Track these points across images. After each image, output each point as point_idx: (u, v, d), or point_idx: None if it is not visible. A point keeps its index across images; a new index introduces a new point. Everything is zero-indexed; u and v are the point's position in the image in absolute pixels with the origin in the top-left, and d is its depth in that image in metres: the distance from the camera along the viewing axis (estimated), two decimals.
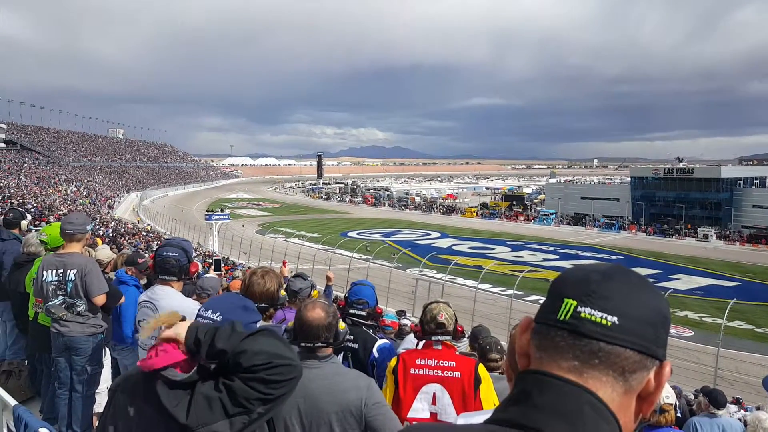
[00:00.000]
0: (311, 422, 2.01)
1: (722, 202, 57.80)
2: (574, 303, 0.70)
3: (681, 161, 70.28)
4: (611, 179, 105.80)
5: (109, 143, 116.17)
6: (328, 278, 4.85)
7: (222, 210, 59.10)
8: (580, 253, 45.57)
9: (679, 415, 5.02)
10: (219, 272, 11.65)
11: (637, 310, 0.70)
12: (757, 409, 9.05)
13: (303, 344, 2.11)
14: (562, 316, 0.70)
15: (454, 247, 46.44)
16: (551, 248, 47.30)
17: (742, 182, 59.48)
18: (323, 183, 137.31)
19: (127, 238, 30.97)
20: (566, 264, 38.72)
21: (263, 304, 2.63)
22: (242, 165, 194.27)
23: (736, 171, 63.70)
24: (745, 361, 17.68)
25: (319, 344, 2.11)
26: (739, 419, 5.36)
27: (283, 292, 2.76)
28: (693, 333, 23.64)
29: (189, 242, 3.46)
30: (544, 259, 41.19)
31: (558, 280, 0.75)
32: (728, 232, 53.19)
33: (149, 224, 49.31)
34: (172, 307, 2.91)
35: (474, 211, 74.24)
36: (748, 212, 55.88)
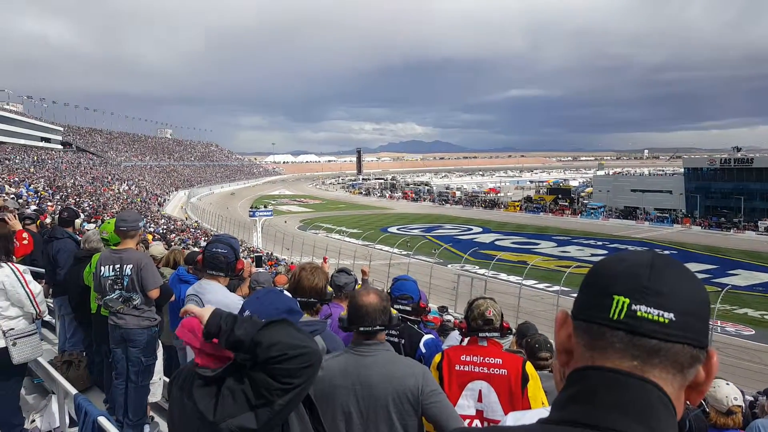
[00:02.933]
0: (368, 409, 2.03)
1: None
2: (627, 301, 0.67)
3: (739, 150, 66.45)
4: (663, 171, 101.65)
5: (157, 143, 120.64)
6: (364, 272, 4.89)
7: (265, 206, 60.31)
8: (630, 248, 43.94)
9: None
10: (260, 269, 11.91)
11: (689, 304, 0.68)
12: None
13: (361, 329, 2.15)
14: (616, 315, 0.67)
15: (496, 242, 45.74)
16: (599, 243, 45.85)
17: None
18: (363, 179, 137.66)
19: (176, 234, 32.13)
20: None
21: (311, 299, 2.67)
22: (284, 162, 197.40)
23: None
24: None
25: (377, 328, 2.14)
26: None
27: (330, 288, 2.79)
28: (754, 332, 22.48)
29: (237, 240, 3.54)
30: (592, 255, 39.93)
31: (598, 273, 0.72)
32: None
33: (197, 221, 50.92)
34: (217, 302, 3.00)
35: (517, 206, 72.87)
36: None
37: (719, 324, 21.38)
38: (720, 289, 22.76)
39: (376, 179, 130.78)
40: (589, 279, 0.73)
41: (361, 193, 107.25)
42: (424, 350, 3.05)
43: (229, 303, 2.80)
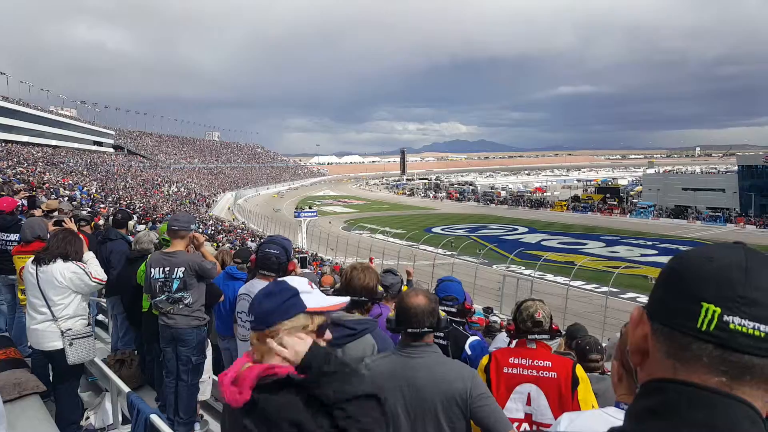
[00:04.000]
0: (416, 411, 2.02)
1: None
2: (718, 311, 0.60)
3: None
4: (716, 168, 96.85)
5: (205, 145, 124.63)
6: (408, 273, 4.87)
7: (310, 207, 61.17)
8: (681, 248, 42.07)
9: None
10: (305, 269, 12.11)
11: None
12: None
13: (409, 330, 2.13)
14: (705, 326, 0.60)
15: (543, 243, 44.83)
16: (649, 243, 44.16)
17: None
18: (406, 179, 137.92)
19: (224, 235, 33.06)
20: (666, 260, 36.02)
21: (363, 298, 2.68)
22: (328, 163, 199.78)
23: None
24: None
25: (426, 329, 2.12)
26: None
27: (380, 288, 2.79)
28: None
29: (290, 241, 3.59)
30: (642, 255, 38.55)
31: (683, 273, 0.64)
32: None
33: (243, 222, 52.23)
34: None
35: (564, 205, 71.27)
36: None
37: None
38: None
39: (419, 179, 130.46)
40: (671, 277, 0.65)
41: (405, 193, 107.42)
42: (469, 352, 3.02)
43: None
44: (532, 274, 26.34)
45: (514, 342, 2.81)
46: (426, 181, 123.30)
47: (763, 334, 0.59)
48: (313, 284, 1.49)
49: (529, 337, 2.67)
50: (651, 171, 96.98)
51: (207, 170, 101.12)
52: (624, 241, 45.45)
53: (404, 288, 3.75)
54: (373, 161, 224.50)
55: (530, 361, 2.59)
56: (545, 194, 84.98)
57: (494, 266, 32.71)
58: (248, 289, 3.29)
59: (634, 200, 69.73)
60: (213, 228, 35.52)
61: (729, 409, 0.60)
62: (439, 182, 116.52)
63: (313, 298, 1.44)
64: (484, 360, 2.72)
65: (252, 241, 30.85)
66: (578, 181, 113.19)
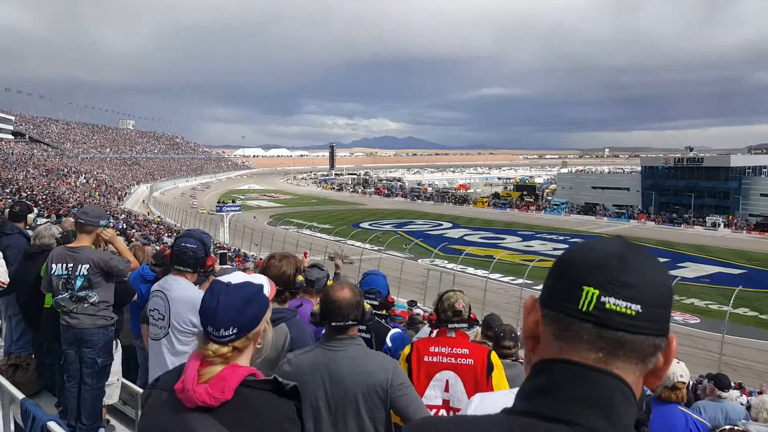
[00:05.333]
0: (337, 403, 2.03)
1: (731, 191, 57.28)
2: (597, 292, 0.67)
3: (691, 150, 69.42)
4: (622, 169, 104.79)
5: (119, 134, 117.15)
6: (337, 266, 4.85)
7: (233, 201, 59.40)
8: None
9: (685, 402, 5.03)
10: (224, 266, 11.77)
11: (656, 296, 0.68)
12: (760, 393, 9.07)
13: (333, 323, 2.13)
14: (585, 307, 0.67)
15: (465, 237, 46.48)
16: (561, 238, 47.11)
17: (750, 171, 58.93)
18: (336, 174, 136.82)
19: (137, 230, 31.25)
20: None
21: (278, 288, 2.63)
22: (254, 156, 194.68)
23: (745, 160, 62.86)
24: (748, 347, 17.73)
25: (350, 322, 2.13)
26: (741, 404, 5.36)
27: (300, 278, 2.74)
28: (699, 320, 23.62)
29: (209, 235, 3.43)
30: (554, 249, 41.06)
31: (568, 262, 0.71)
32: (736, 221, 52.83)
33: (159, 216, 49.71)
34: (184, 298, 2.90)
35: (486, 201, 74.18)
36: (755, 201, 55.55)
37: None
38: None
39: (348, 174, 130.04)
40: (558, 267, 0.72)
41: (334, 188, 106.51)
42: (390, 344, 3.08)
43: (196, 299, 2.71)
44: (455, 268, 27.23)
45: (435, 332, 2.89)
46: (355, 176, 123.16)
47: (634, 312, 0.66)
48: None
49: (449, 326, 2.75)
50: (564, 170, 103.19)
51: (120, 160, 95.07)
52: (539, 236, 48.17)
53: (329, 283, 3.73)
54: (302, 155, 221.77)
55: (449, 349, 2.68)
56: (468, 191, 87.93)
57: (419, 260, 33.49)
58: (162, 285, 3.11)
59: (549, 198, 73.84)
60: (125, 222, 33.45)
61: (603, 383, 0.67)
62: (367, 178, 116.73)
63: (265, 288, 1.44)
64: (406, 350, 2.78)
65: (169, 236, 29.43)
66: (499, 179, 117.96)
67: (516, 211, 67.66)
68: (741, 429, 1.80)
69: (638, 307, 0.66)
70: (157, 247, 7.41)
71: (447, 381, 2.64)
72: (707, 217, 54.33)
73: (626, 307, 0.66)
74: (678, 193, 60.41)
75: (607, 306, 0.66)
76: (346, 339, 2.14)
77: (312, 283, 3.50)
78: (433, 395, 2.63)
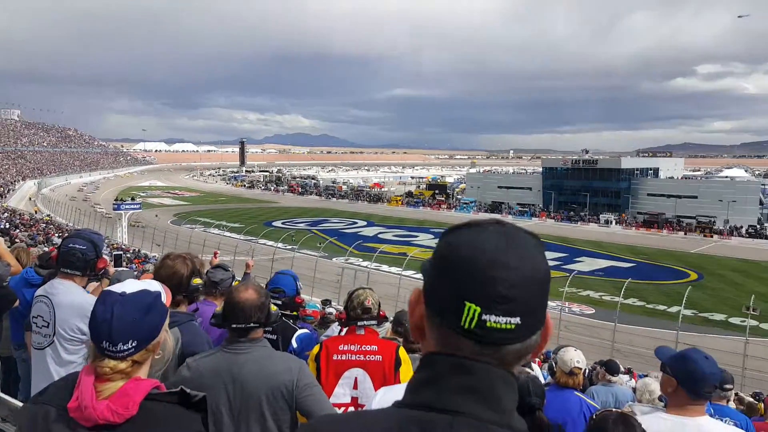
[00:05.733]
0: (240, 407, 1.98)
1: (621, 190, 62.88)
2: (478, 310, 0.67)
3: (587, 153, 75.29)
4: (525, 170, 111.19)
5: (1, 125, 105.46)
6: (247, 266, 4.75)
7: (133, 199, 55.75)
8: None
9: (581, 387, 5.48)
10: (120, 268, 11.02)
11: (535, 298, 0.70)
12: (645, 376, 10.09)
13: (234, 326, 2.07)
14: (467, 324, 0.68)
15: (379, 235, 47.02)
16: None
17: (638, 172, 64.95)
18: (246, 171, 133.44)
19: (22, 230, 28.43)
20: None
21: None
22: (156, 151, 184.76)
23: (634, 162, 68.97)
24: (637, 335, 19.49)
25: (252, 325, 2.08)
26: (631, 388, 5.90)
27: (196, 281, 2.60)
28: (594, 311, 25.70)
29: (100, 236, 3.22)
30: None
31: (453, 267, 0.71)
32: (626, 218, 57.89)
33: (48, 215, 45.52)
34: (72, 303, 2.71)
35: (399, 200, 75.61)
36: (643, 200, 61.28)
37: (566, 305, 23.95)
38: (568, 275, 25.65)
39: (260, 171, 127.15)
40: (443, 267, 0.72)
41: (245, 185, 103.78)
42: (295, 345, 3.05)
43: (84, 305, 2.55)
44: (370, 266, 27.48)
45: (345, 330, 2.93)
46: (267, 173, 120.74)
47: (513, 326, 0.68)
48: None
49: (358, 323, 2.80)
50: (473, 170, 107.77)
51: (2, 153, 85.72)
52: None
53: (235, 284, 3.67)
54: (210, 151, 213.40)
55: (358, 346, 2.71)
56: (383, 190, 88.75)
57: (334, 259, 33.36)
58: (47, 290, 2.89)
59: (459, 197, 76.84)
60: (7, 222, 30.29)
61: (486, 372, 0.69)
62: (280, 175, 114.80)
63: (162, 294, 1.37)
64: (315, 349, 2.78)
65: (59, 236, 27.07)
66: (412, 177, 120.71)
67: (428, 210, 69.51)
68: (618, 411, 2.03)
69: (517, 320, 0.68)
70: (46, 248, 6.85)
71: (356, 378, 2.66)
72: (601, 215, 59.04)
73: (506, 323, 0.67)
74: (575, 192, 65.05)
75: (488, 324, 0.67)
76: (249, 341, 2.09)
77: (216, 284, 3.43)
78: (342, 393, 2.65)
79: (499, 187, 73.58)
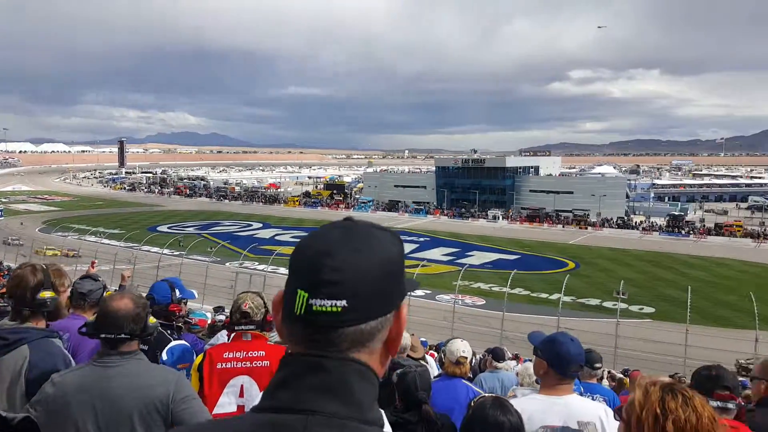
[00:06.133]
0: (108, 425, 1.83)
1: (507, 187, 67.57)
2: (306, 296, 0.70)
3: (475, 152, 79.80)
4: (420, 169, 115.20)
5: None
6: (123, 278, 4.40)
7: None
8: None
9: (470, 375, 5.76)
10: None
11: (366, 283, 0.71)
12: (530, 361, 10.90)
13: (103, 336, 1.92)
14: (299, 311, 0.70)
15: (276, 237, 46.19)
16: None
17: (521, 171, 70.23)
18: (126, 172, 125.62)
19: None
20: None
21: (11, 304, 2.27)
22: (20, 152, 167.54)
23: (517, 161, 74.49)
24: (523, 322, 20.89)
25: (123, 335, 1.93)
26: (516, 373, 6.34)
27: (44, 294, 2.30)
28: (485, 301, 27.34)
29: None
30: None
31: (292, 259, 0.74)
32: (511, 213, 62.14)
33: None
34: None
35: (297, 200, 74.85)
36: (526, 196, 66.39)
37: (460, 297, 25.34)
38: (460, 268, 27.03)
39: (143, 173, 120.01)
40: (290, 263, 0.75)
41: (125, 188, 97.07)
42: (165, 357, 2.87)
43: None
44: (266, 269, 26.80)
45: (231, 336, 2.83)
46: (151, 174, 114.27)
47: (340, 309, 0.69)
48: None
49: (237, 328, 2.70)
50: (370, 170, 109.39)
51: None
52: None
53: (107, 294, 3.37)
54: (84, 151, 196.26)
55: (244, 353, 2.62)
56: (279, 190, 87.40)
57: (227, 264, 32.28)
58: None
59: (357, 196, 77.86)
60: None
61: (339, 368, 0.71)
62: (166, 176, 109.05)
63: None
64: (199, 358, 2.67)
65: None
66: (309, 177, 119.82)
67: (327, 210, 69.48)
68: (493, 396, 2.14)
69: (344, 303, 0.69)
70: None
71: (242, 386, 2.57)
72: (489, 211, 62.72)
73: (331, 306, 0.69)
74: (466, 190, 68.67)
75: (314, 308, 0.69)
76: (120, 354, 1.95)
77: (84, 296, 3.14)
78: (227, 402, 2.55)
79: (395, 186, 75.64)
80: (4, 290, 2.65)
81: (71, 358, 2.23)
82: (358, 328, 0.71)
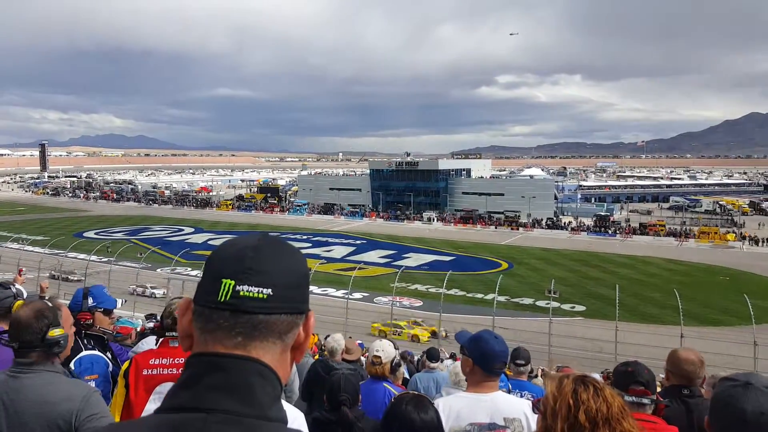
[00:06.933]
0: None
1: (440, 189, 68.89)
2: (232, 282, 0.75)
3: (408, 155, 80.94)
4: (354, 171, 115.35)
5: None
6: (41, 289, 4.19)
7: None
8: (330, 239, 48.85)
9: (407, 376, 5.86)
10: None
11: (286, 278, 0.78)
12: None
13: (5, 345, 1.91)
14: (223, 297, 0.75)
15: (209, 242, 44.93)
16: (305, 237, 49.58)
17: (454, 173, 71.73)
18: (49, 176, 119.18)
19: None
20: (319, 251, 40.98)
21: None
22: None
23: (450, 164, 75.94)
24: (460, 322, 21.30)
25: (19, 346, 1.88)
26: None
27: None
28: (422, 303, 27.78)
29: None
30: (299, 249, 43.10)
31: (212, 259, 0.79)
32: (445, 215, 63.41)
33: None
34: None
35: (230, 204, 73.04)
36: (459, 198, 67.95)
37: (397, 299, 25.60)
38: (397, 270, 27.33)
39: (66, 177, 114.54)
40: (206, 264, 0.79)
41: (48, 193, 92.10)
42: (72, 368, 2.75)
43: None
44: (199, 275, 25.89)
45: (159, 342, 2.78)
46: (75, 178, 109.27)
47: (265, 296, 0.75)
48: None
49: (168, 334, 2.68)
50: (304, 173, 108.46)
51: None
52: (283, 236, 49.12)
53: (18, 304, 3.19)
54: (2, 155, 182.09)
55: (171, 359, 2.58)
56: (211, 194, 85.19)
57: (158, 269, 31.14)
58: None
59: (292, 199, 76.76)
60: None
61: (240, 368, 0.74)
62: (91, 180, 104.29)
63: None
64: (125, 365, 2.62)
65: None
66: (242, 181, 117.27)
67: (261, 213, 68.53)
68: (413, 393, 2.22)
69: (269, 291, 0.75)
70: None
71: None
72: (424, 213, 63.76)
73: (258, 292, 0.75)
74: (400, 192, 69.58)
75: (242, 293, 0.74)
76: (30, 365, 1.89)
77: None
78: (154, 409, 2.50)
79: (330, 189, 75.47)
80: None
81: None
82: (278, 318, 0.76)
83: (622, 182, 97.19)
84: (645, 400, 2.15)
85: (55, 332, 1.98)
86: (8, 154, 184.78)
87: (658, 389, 2.60)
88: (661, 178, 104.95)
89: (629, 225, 54.99)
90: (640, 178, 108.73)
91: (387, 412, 2.05)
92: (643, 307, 27.22)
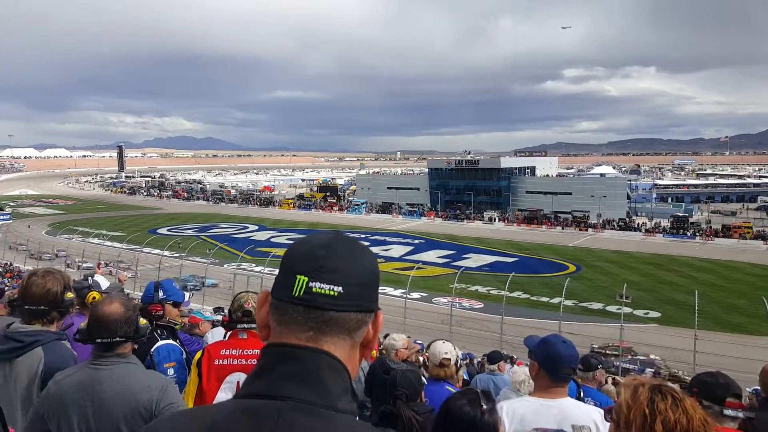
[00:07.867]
0: (98, 426, 1.89)
1: (502, 188, 67.25)
2: (306, 279, 0.79)
3: (468, 153, 79.56)
4: (412, 170, 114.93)
5: None
6: (120, 280, 4.48)
7: (2, 209, 50.35)
8: (388, 238, 48.97)
9: (466, 377, 5.80)
10: None
11: (356, 277, 0.82)
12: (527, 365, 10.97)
13: (99, 340, 1.99)
14: (297, 293, 0.79)
15: (272, 239, 46.20)
16: (363, 236, 49.79)
17: (517, 171, 69.60)
18: (126, 176, 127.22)
19: None
20: (377, 250, 41.28)
21: (43, 307, 2.35)
22: (25, 157, 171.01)
23: (513, 162, 73.82)
24: (523, 326, 20.81)
25: (117, 339, 2.00)
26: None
27: (69, 295, 2.46)
28: (483, 305, 27.12)
29: None
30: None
31: (287, 256, 0.84)
32: (507, 215, 61.79)
33: None
34: None
35: (291, 203, 74.76)
36: (522, 197, 65.95)
37: (457, 300, 25.21)
38: (457, 271, 26.98)
39: (141, 177, 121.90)
40: (282, 261, 0.84)
41: (125, 192, 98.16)
42: (152, 357, 2.92)
43: None
44: (263, 270, 26.83)
45: (228, 334, 2.90)
46: (149, 178, 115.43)
47: (336, 293, 0.79)
48: None
49: (239, 326, 2.77)
50: (363, 172, 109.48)
51: None
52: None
53: (97, 296, 3.42)
54: (85, 156, 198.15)
55: (240, 350, 2.69)
56: (273, 193, 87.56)
57: (225, 265, 32.31)
58: None
59: (350, 198, 77.73)
60: None
61: (311, 359, 0.79)
62: (164, 180, 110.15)
63: None
64: (198, 355, 2.73)
65: None
66: (302, 180, 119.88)
67: (320, 212, 69.58)
68: (468, 389, 2.18)
69: (340, 288, 0.80)
70: None
71: (238, 383, 2.63)
72: (485, 213, 62.43)
73: (329, 289, 0.79)
74: (460, 191, 68.61)
75: (314, 290, 0.79)
76: (113, 357, 2.00)
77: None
78: (224, 398, 2.58)
79: (388, 188, 75.69)
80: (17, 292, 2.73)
81: (77, 358, 2.31)
82: (348, 315, 0.81)
83: (702, 181, 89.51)
84: (741, 414, 2.04)
85: (143, 323, 2.13)
86: (90, 156, 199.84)
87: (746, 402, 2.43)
88: (748, 176, 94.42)
89: (710, 227, 50.67)
90: (723, 176, 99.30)
91: (442, 405, 2.04)
92: (725, 315, 25.27)
